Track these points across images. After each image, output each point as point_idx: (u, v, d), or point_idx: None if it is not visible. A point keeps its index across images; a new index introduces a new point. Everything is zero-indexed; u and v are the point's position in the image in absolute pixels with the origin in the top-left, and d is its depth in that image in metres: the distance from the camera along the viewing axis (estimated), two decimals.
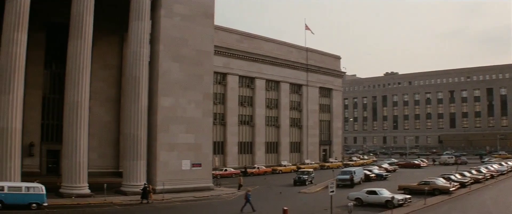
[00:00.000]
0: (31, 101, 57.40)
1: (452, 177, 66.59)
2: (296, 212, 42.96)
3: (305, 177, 74.84)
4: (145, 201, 52.77)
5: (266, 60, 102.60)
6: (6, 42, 50.59)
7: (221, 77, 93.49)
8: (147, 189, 53.44)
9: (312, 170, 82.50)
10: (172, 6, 62.69)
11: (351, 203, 43.24)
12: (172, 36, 62.23)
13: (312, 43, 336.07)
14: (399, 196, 51.12)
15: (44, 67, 67.36)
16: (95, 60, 56.40)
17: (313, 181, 75.17)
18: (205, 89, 65.71)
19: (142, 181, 56.89)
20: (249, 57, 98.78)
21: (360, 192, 53.84)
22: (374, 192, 52.21)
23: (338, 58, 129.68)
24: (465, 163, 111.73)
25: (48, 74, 68.78)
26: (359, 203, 50.85)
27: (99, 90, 67.27)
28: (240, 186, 65.42)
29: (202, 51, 65.14)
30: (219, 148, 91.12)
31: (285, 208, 36.55)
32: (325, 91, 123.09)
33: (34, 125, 63.66)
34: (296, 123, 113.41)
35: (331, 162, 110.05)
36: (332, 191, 39.84)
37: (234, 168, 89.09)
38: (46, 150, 67.26)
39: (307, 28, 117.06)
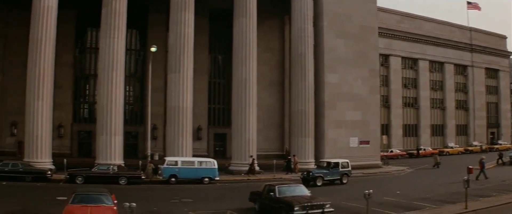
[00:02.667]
0: (198, 86, 58.32)
1: None
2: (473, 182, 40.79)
3: (318, 174, 47.00)
4: (289, 173, 53.60)
5: (428, 41, 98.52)
6: (174, 22, 52.02)
7: (383, 59, 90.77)
8: (292, 161, 54.59)
9: (346, 161, 49.63)
10: None
11: None
12: (336, 12, 61.53)
13: (472, 22, 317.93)
14: None
15: (208, 52, 68.62)
16: (258, 43, 56.53)
17: (345, 181, 48.13)
18: (371, 65, 64.31)
19: (310, 158, 56.61)
20: (410, 38, 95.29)
21: None
22: None
23: (503, 37, 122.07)
24: None
25: (212, 60, 70.10)
26: None
27: (263, 73, 67.24)
28: (437, 164, 62.86)
29: (366, 27, 63.85)
30: (384, 130, 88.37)
31: (470, 166, 34.78)
32: (491, 73, 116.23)
33: (201, 109, 64.93)
34: (462, 105, 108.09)
35: (500, 144, 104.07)
36: None
37: (400, 150, 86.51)
38: (213, 134, 68.61)
39: (471, 7, 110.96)
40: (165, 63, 59.69)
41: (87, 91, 67.19)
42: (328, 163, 49.17)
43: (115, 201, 25.73)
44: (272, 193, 29.01)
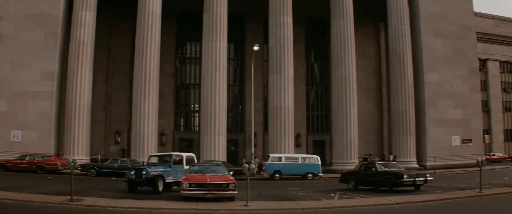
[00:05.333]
0: (296, 93, 58.83)
1: None
2: None
3: (156, 173, 30.38)
4: None
5: None
6: (273, 25, 53.87)
7: (481, 64, 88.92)
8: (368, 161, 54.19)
9: (191, 155, 35.95)
10: None
11: None
12: (431, 11, 61.31)
13: None
14: None
15: (305, 60, 69.50)
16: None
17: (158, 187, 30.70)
18: (470, 64, 63.51)
19: (412, 157, 56.34)
20: (508, 41, 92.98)
21: None
22: None
23: None
24: None
25: (309, 67, 70.96)
26: None
27: (359, 79, 66.97)
28: None
29: (463, 26, 63.21)
30: (484, 135, 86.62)
31: None
32: None
33: (300, 116, 65.36)
34: None
35: None
36: None
37: (502, 154, 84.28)
38: (312, 140, 68.97)
39: None
40: (263, 72, 61.81)
41: (187, 100, 68.93)
42: (167, 157, 34.06)
43: (231, 172, 26.77)
44: (373, 169, 34.00)
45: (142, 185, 30.49)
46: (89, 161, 49.81)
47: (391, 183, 31.41)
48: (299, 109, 64.82)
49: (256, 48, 48.86)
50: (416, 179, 31.24)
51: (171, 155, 34.02)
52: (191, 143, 64.54)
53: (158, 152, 50.62)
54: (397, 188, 31.37)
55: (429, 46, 60.33)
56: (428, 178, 32.00)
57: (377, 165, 34.25)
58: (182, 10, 64.44)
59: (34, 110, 50.38)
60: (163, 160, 33.35)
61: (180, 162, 33.12)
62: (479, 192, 27.48)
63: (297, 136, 65.30)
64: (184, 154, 35.01)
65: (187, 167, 31.93)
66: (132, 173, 30.58)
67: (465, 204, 25.70)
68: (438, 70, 60.21)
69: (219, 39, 51.27)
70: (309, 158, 48.13)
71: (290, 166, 46.48)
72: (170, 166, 31.97)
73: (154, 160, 33.98)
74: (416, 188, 31.72)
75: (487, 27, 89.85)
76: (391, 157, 54.73)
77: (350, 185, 35.23)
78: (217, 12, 51.41)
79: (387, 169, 33.86)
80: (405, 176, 30.82)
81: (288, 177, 46.03)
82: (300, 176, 46.26)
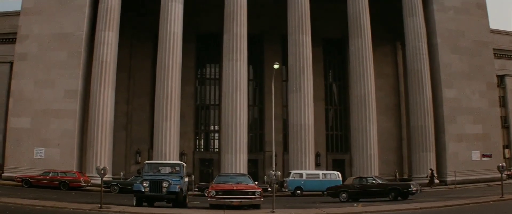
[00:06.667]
0: (315, 112, 59.29)
1: None
2: None
3: (171, 183, 26.23)
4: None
5: None
6: (292, 43, 54.63)
7: (499, 80, 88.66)
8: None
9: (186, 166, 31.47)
10: (444, 0, 62.30)
11: None
12: (448, 29, 61.40)
13: None
14: None
15: (323, 79, 70.00)
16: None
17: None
18: (488, 78, 63.35)
19: None
20: None
21: None
22: None
23: None
24: None
25: (327, 87, 71.45)
26: None
27: (378, 98, 67.07)
28: None
29: (479, 41, 63.15)
30: (503, 149, 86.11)
31: None
32: None
33: (319, 135, 65.38)
34: None
35: None
36: None
37: None
38: (331, 160, 69.10)
39: None
40: (281, 92, 63.25)
41: (207, 121, 69.53)
42: (175, 166, 29.73)
43: (256, 182, 27.32)
44: (373, 182, 37.33)
45: (160, 200, 26.48)
46: (111, 179, 50.23)
47: (397, 193, 35.25)
48: (318, 128, 64.81)
49: (276, 66, 49.34)
50: (418, 188, 35.93)
51: (180, 164, 29.33)
52: (211, 162, 65.22)
53: None
54: (400, 198, 34.86)
55: (446, 62, 60.44)
56: (422, 190, 38.23)
57: (377, 178, 38.40)
58: (201, 33, 65.92)
59: (57, 127, 51.13)
60: (164, 169, 29.53)
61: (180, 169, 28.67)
62: (501, 197, 27.82)
63: (317, 155, 65.42)
64: (184, 164, 29.91)
65: (187, 179, 29.78)
66: (146, 185, 25.83)
67: (488, 208, 25.99)
68: (456, 86, 60.26)
69: (240, 59, 52.02)
70: (330, 174, 48.59)
71: (311, 182, 46.93)
72: (181, 177, 27.67)
73: (151, 168, 28.73)
74: (404, 197, 34.84)
75: (504, 43, 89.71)
76: (429, 172, 54.63)
77: (340, 198, 36.79)
78: (237, 33, 52.19)
79: (384, 182, 38.25)
80: (412, 186, 35.36)
81: (310, 193, 46.29)
82: (321, 193, 46.51)
